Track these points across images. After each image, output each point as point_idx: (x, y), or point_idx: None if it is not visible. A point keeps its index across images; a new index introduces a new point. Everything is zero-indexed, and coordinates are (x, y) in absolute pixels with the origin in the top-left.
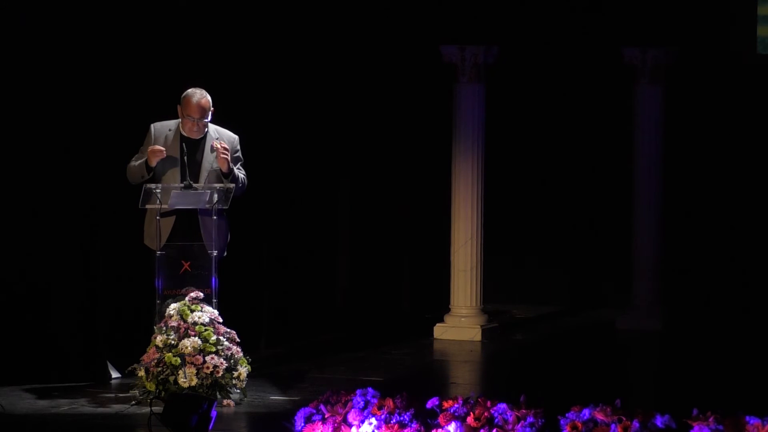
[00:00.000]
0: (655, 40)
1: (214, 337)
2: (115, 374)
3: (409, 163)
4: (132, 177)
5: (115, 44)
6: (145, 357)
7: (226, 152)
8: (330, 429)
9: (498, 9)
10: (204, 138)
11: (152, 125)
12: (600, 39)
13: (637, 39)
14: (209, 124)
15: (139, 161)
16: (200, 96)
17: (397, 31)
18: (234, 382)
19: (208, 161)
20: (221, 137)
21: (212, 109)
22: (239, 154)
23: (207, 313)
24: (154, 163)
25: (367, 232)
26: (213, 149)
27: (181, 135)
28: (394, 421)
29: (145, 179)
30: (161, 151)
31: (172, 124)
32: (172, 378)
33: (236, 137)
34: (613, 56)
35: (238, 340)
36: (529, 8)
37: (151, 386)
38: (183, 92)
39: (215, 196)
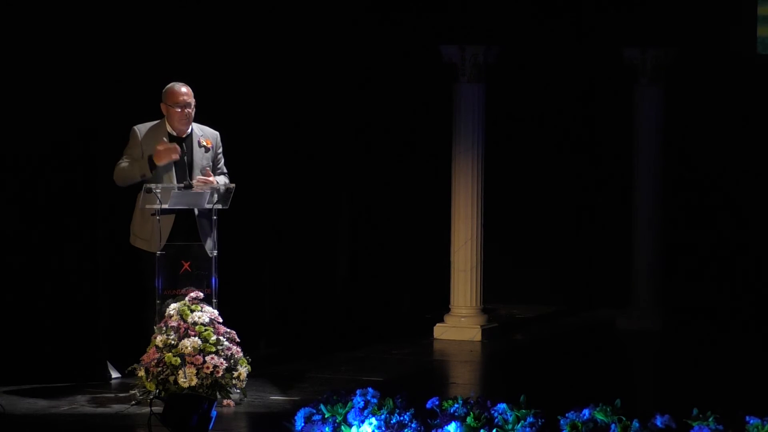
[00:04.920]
0: (655, 40)
1: (214, 337)
2: (115, 374)
3: (409, 163)
4: (126, 178)
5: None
6: (145, 357)
7: (208, 180)
8: (330, 429)
9: (498, 9)
10: (190, 137)
11: (135, 128)
12: (600, 39)
13: (637, 39)
14: (192, 123)
15: (135, 160)
16: (182, 84)
17: (398, 31)
18: (234, 382)
19: (198, 158)
20: (204, 134)
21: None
22: (221, 151)
23: (207, 313)
24: (164, 162)
25: (368, 231)
26: (200, 145)
27: (169, 135)
28: (394, 421)
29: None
30: (177, 150)
31: (155, 124)
32: (172, 378)
33: (218, 133)
34: (613, 56)
35: (238, 340)
36: (530, 8)
37: (151, 386)
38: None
39: (215, 196)
